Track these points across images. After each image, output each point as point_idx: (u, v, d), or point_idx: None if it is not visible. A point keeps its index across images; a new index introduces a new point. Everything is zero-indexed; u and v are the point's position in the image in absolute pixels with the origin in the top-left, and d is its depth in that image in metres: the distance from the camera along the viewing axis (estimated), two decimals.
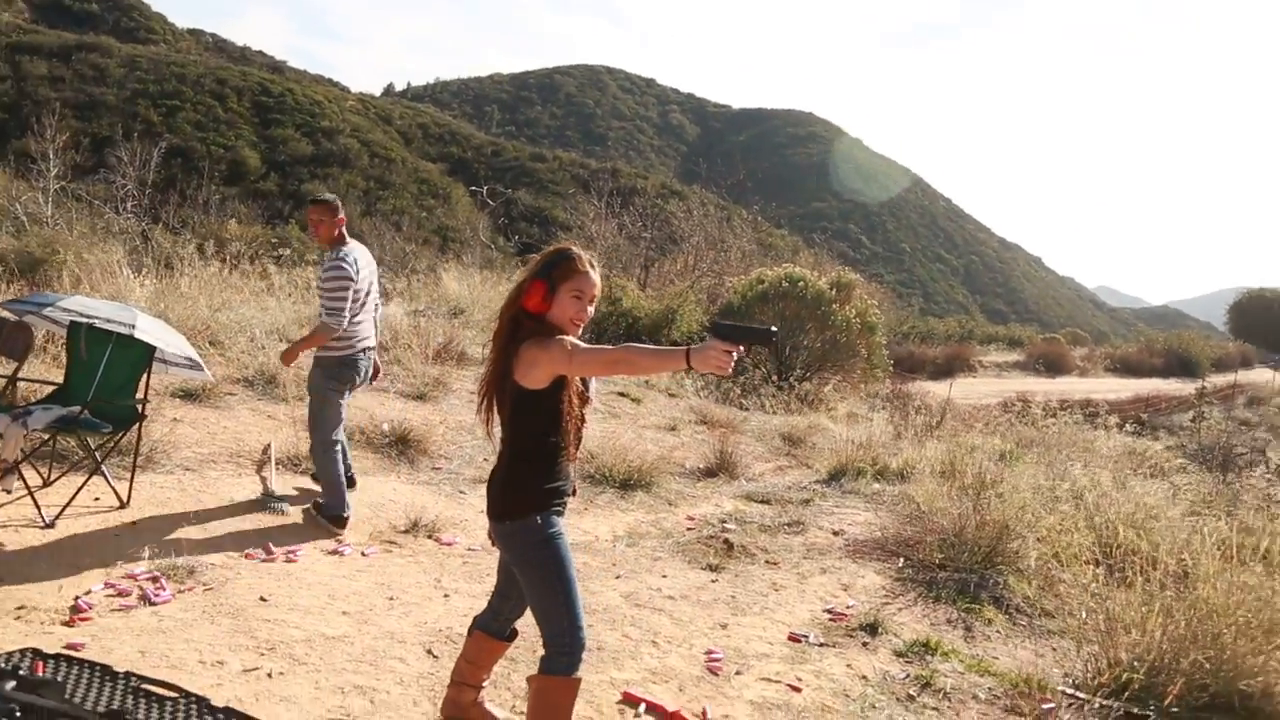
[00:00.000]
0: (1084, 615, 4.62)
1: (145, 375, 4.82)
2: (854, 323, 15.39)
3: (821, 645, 4.55)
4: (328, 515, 5.15)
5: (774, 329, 2.45)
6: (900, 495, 7.74)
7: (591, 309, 2.84)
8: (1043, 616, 5.48)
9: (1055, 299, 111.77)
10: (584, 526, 6.05)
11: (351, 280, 5.01)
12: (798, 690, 3.94)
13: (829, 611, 5.05)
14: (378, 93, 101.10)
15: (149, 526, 4.63)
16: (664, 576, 5.25)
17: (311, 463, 5.72)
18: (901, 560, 6.07)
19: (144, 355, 4.76)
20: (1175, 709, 3.90)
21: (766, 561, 5.81)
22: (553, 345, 2.69)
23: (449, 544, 5.24)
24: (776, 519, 6.87)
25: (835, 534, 6.66)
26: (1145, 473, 10.82)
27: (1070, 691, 4.18)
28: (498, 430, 2.95)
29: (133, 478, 4.88)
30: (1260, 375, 32.84)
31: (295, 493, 5.55)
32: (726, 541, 6.00)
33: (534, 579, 2.83)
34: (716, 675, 3.99)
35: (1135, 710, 3.92)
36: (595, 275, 2.85)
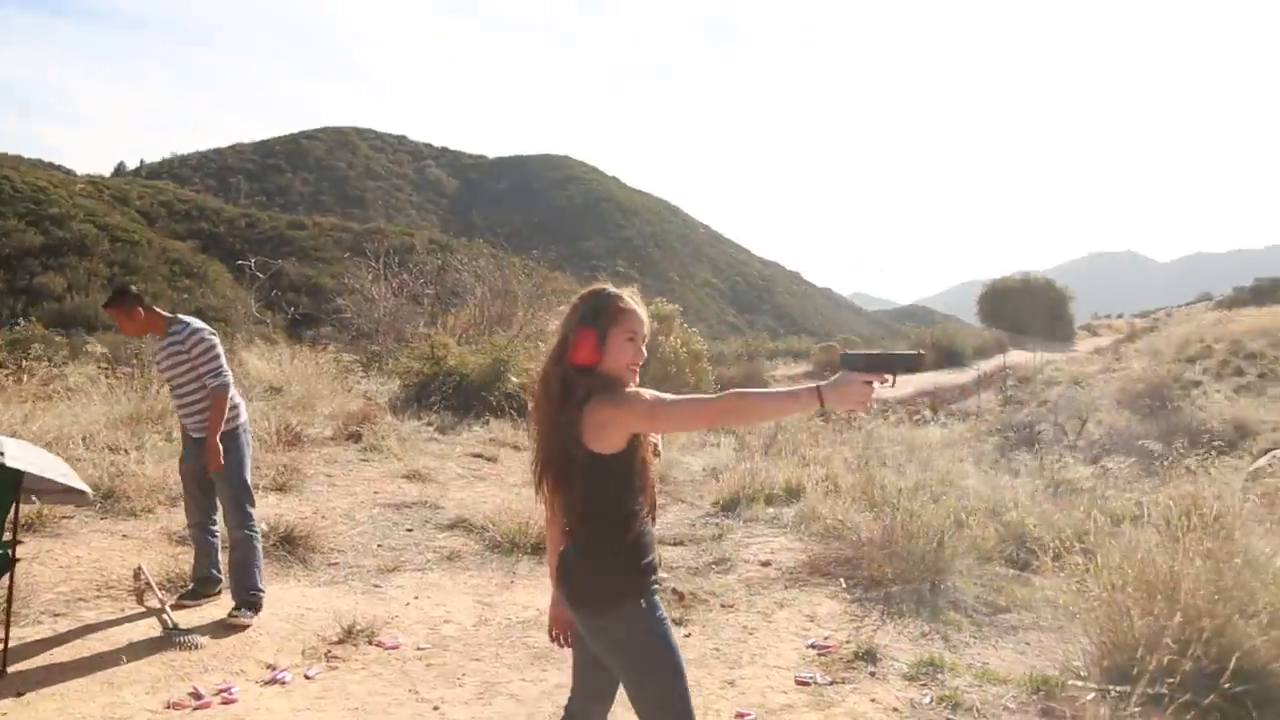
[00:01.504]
0: (1079, 605, 4.60)
1: (13, 510, 3.96)
2: (680, 351, 15.46)
3: (831, 683, 4.32)
4: (251, 603, 4.82)
5: (920, 351, 2.20)
6: (801, 516, 7.68)
7: (644, 350, 2.49)
8: (997, 613, 5.49)
9: (817, 309, 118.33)
10: (520, 601, 5.55)
11: (215, 338, 4.94)
12: None
13: (813, 647, 4.83)
14: (108, 173, 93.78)
15: (42, 696, 3.78)
16: None
17: (201, 578, 5.01)
18: (843, 581, 5.96)
19: (9, 487, 3.91)
20: (1195, 685, 3.89)
21: (722, 605, 5.53)
22: (629, 402, 2.32)
23: (394, 647, 4.62)
24: (700, 558, 6.61)
25: (764, 564, 6.47)
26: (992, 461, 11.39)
27: (1089, 685, 4.14)
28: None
29: (6, 638, 3.99)
30: (1018, 357, 35.77)
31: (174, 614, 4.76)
32: (675, 591, 5.67)
33: (643, 676, 2.42)
34: None
35: (1153, 691, 3.89)
36: (644, 312, 2.51)
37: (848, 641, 4.89)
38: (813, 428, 15.56)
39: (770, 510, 8.18)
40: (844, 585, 5.90)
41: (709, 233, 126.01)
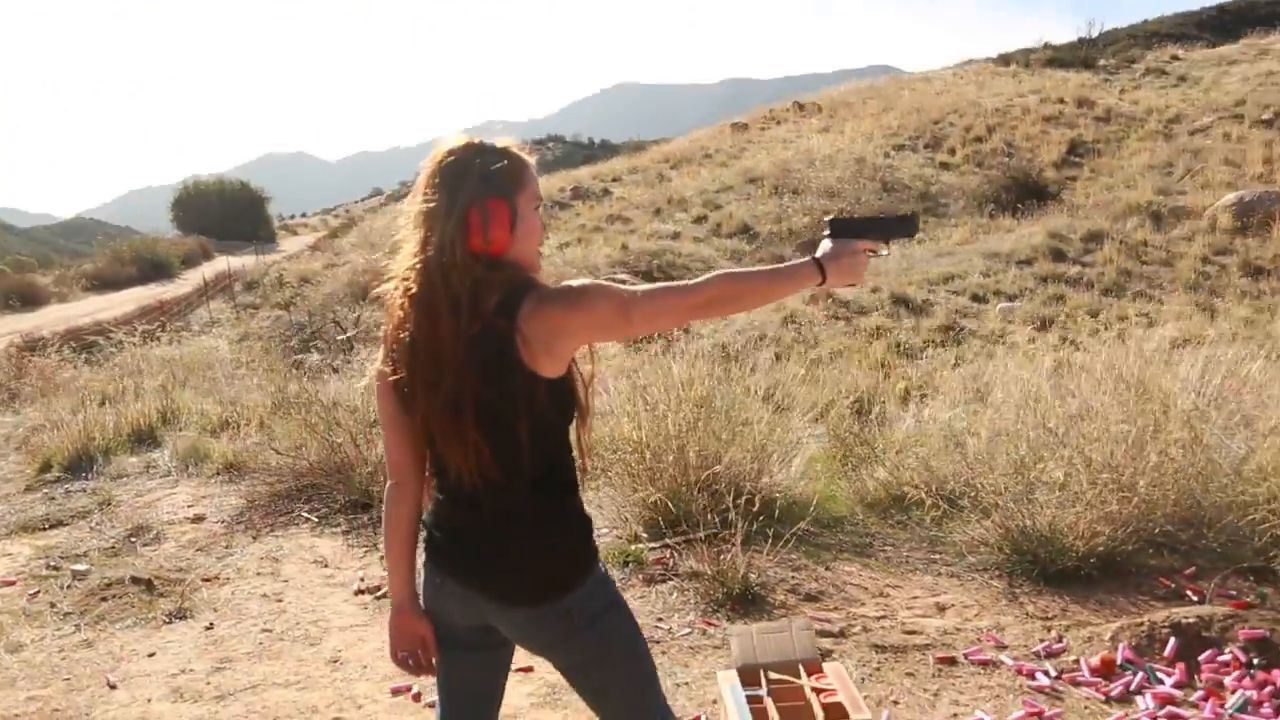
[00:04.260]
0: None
1: None
2: None
3: None
4: None
5: (915, 211, 1.93)
6: (183, 457, 6.52)
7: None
8: None
9: None
10: None
11: None
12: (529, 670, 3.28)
13: (365, 591, 4.18)
14: None
15: None
16: (150, 656, 3.64)
17: None
18: (311, 516, 5.24)
19: None
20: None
21: (203, 580, 4.44)
22: (591, 297, 1.63)
23: None
24: (106, 536, 5.19)
25: (197, 521, 5.36)
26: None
27: (662, 545, 4.30)
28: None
29: None
30: (241, 260, 34.72)
31: None
32: (136, 580, 4.37)
33: (618, 656, 1.79)
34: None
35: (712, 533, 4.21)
36: None
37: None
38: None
39: (134, 459, 6.78)
40: (316, 520, 5.19)
41: None
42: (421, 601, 1.83)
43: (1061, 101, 24.76)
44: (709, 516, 4.20)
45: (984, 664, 3.11)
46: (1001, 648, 3.22)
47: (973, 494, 4.12)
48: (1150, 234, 16.86)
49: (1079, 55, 30.43)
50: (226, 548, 4.88)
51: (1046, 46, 34.17)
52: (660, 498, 4.40)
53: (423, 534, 1.82)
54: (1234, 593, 3.52)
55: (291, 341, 15.22)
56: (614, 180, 29.01)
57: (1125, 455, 3.79)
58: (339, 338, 15.27)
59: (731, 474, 4.52)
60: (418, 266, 1.64)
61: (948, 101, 27.29)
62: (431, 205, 1.63)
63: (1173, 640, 3.01)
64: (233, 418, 7.29)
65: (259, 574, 4.48)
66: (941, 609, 3.60)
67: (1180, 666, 2.91)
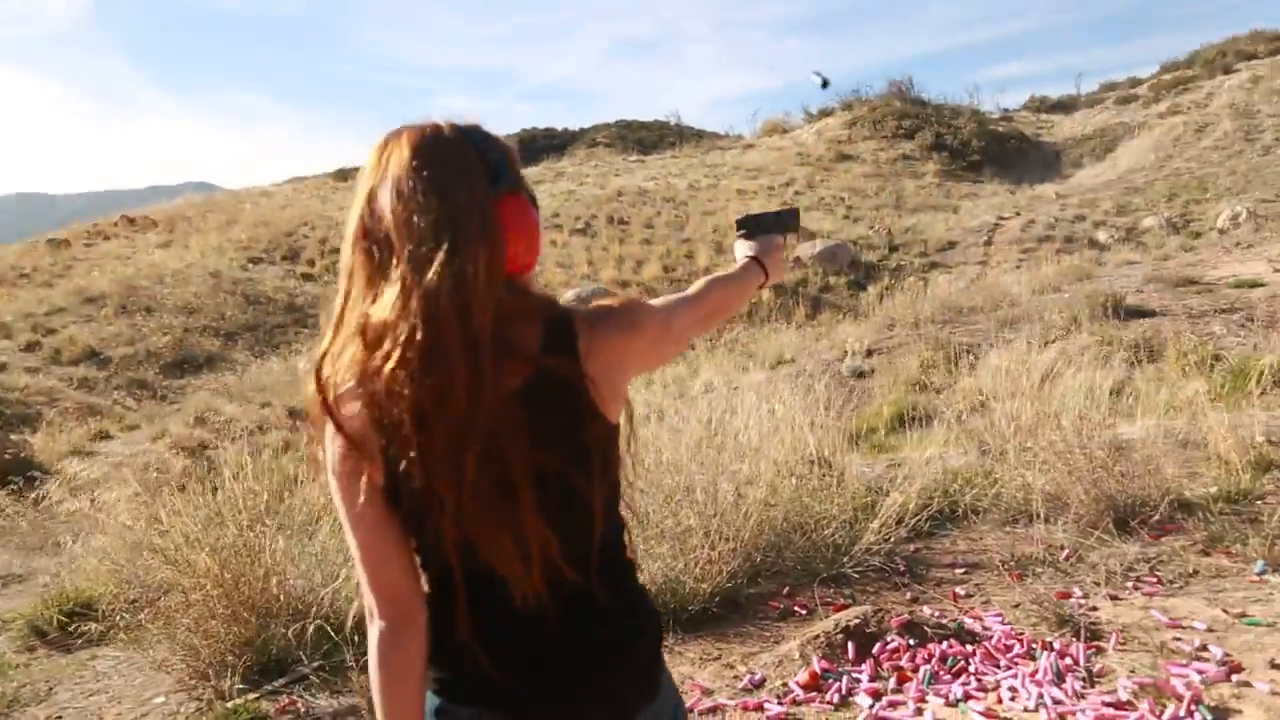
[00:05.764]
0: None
1: None
2: None
3: None
4: None
5: (796, 207, 1.88)
6: None
7: None
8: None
9: None
10: None
11: None
12: None
13: None
14: None
15: None
16: None
17: None
18: None
19: None
20: None
21: None
22: (641, 316, 1.32)
23: None
24: None
25: None
26: None
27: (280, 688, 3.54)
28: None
29: None
30: None
31: None
32: None
33: None
34: None
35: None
36: None
37: None
38: None
39: None
40: None
41: None
42: None
43: None
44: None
45: (711, 711, 3.09)
46: (709, 693, 3.23)
47: None
48: None
49: None
50: None
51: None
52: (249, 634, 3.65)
53: (435, 677, 1.27)
54: (829, 599, 4.01)
55: None
56: None
57: (731, 499, 4.12)
58: None
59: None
60: (414, 304, 1.12)
61: (295, 214, 27.32)
62: (430, 214, 1.14)
63: (849, 643, 3.31)
64: None
65: None
66: None
67: (869, 663, 3.20)
